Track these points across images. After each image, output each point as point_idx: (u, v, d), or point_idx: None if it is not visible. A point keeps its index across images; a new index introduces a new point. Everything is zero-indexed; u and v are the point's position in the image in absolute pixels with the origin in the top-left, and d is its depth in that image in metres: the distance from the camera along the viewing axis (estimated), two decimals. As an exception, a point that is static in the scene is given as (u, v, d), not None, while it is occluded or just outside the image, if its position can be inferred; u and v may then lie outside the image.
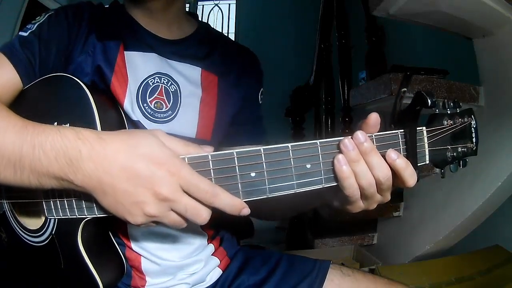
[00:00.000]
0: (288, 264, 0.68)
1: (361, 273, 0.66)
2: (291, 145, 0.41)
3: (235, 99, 0.70)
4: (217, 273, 0.69)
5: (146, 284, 0.63)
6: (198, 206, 0.40)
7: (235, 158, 0.41)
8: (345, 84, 1.95)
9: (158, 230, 0.62)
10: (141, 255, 0.62)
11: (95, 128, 0.48)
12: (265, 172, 0.41)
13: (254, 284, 0.67)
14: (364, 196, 0.44)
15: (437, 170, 1.26)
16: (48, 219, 0.54)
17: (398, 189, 1.56)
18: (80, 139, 0.40)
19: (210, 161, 0.41)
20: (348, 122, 1.92)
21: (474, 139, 0.47)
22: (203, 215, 0.41)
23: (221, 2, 4.34)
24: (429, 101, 0.42)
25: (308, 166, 0.42)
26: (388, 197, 0.46)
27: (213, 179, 0.41)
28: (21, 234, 0.59)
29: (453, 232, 1.19)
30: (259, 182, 0.41)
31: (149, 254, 0.62)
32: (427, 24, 1.18)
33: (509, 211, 1.17)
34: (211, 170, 0.41)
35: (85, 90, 0.50)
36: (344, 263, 1.48)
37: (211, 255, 0.69)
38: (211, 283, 0.68)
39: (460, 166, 0.48)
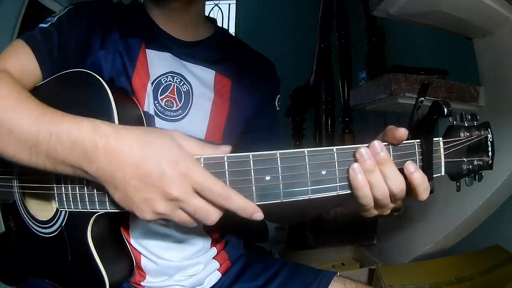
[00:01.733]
0: (290, 273, 0.68)
1: (365, 287, 0.65)
2: (307, 150, 0.41)
3: (248, 105, 0.70)
4: (216, 276, 0.68)
5: (144, 281, 0.63)
6: (208, 208, 0.40)
7: (251, 160, 0.41)
8: (345, 84, 1.95)
9: (161, 230, 0.62)
10: (141, 253, 0.62)
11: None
12: (280, 176, 0.41)
13: None
14: (378, 205, 0.44)
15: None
16: (59, 211, 0.54)
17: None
18: (97, 132, 0.41)
19: (226, 163, 0.41)
20: (348, 122, 1.92)
21: (490, 153, 0.46)
22: (212, 217, 0.41)
23: (221, 2, 4.34)
24: (445, 110, 0.41)
25: (324, 172, 0.41)
26: (400, 204, 0.45)
27: (227, 181, 0.41)
28: (30, 224, 0.59)
29: (453, 232, 1.19)
30: (274, 186, 0.41)
31: (148, 252, 0.62)
32: (427, 24, 1.18)
33: (509, 211, 1.17)
34: (226, 171, 0.41)
35: (104, 87, 0.50)
36: (344, 263, 1.48)
37: (212, 258, 0.69)
38: (209, 286, 0.67)
39: (475, 180, 0.47)
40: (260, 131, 0.71)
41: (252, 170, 0.41)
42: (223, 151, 0.42)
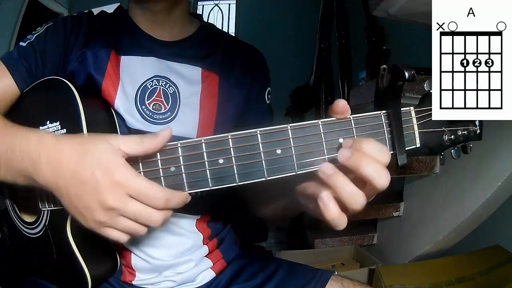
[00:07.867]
0: (287, 273, 0.67)
1: (363, 286, 0.65)
2: (260, 130, 0.40)
3: (238, 99, 0.69)
4: (209, 275, 0.68)
5: (135, 279, 0.64)
6: (148, 211, 0.41)
7: (203, 144, 0.40)
8: (345, 84, 1.95)
9: (151, 228, 0.62)
10: (131, 251, 0.63)
11: (80, 127, 0.51)
12: (233, 158, 0.40)
13: None
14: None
15: (435, 161, 1.26)
16: (42, 211, 0.55)
17: (399, 189, 1.53)
18: (41, 143, 0.44)
19: (179, 148, 0.41)
20: (348, 122, 1.92)
21: (477, 122, 0.41)
22: (154, 218, 0.41)
23: (221, 2, 4.34)
24: (406, 73, 0.37)
25: (279, 151, 0.39)
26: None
27: (182, 166, 0.41)
28: (20, 227, 0.60)
29: (453, 232, 1.19)
30: (228, 169, 0.40)
31: (139, 251, 0.63)
32: (427, 24, 1.18)
33: (509, 211, 1.17)
34: (180, 157, 0.41)
35: (73, 91, 0.53)
36: (344, 263, 1.48)
37: (204, 256, 0.68)
38: (202, 284, 0.67)
39: (463, 152, 0.42)
40: (250, 126, 0.71)
41: (204, 153, 0.40)
42: (162, 135, 0.41)
